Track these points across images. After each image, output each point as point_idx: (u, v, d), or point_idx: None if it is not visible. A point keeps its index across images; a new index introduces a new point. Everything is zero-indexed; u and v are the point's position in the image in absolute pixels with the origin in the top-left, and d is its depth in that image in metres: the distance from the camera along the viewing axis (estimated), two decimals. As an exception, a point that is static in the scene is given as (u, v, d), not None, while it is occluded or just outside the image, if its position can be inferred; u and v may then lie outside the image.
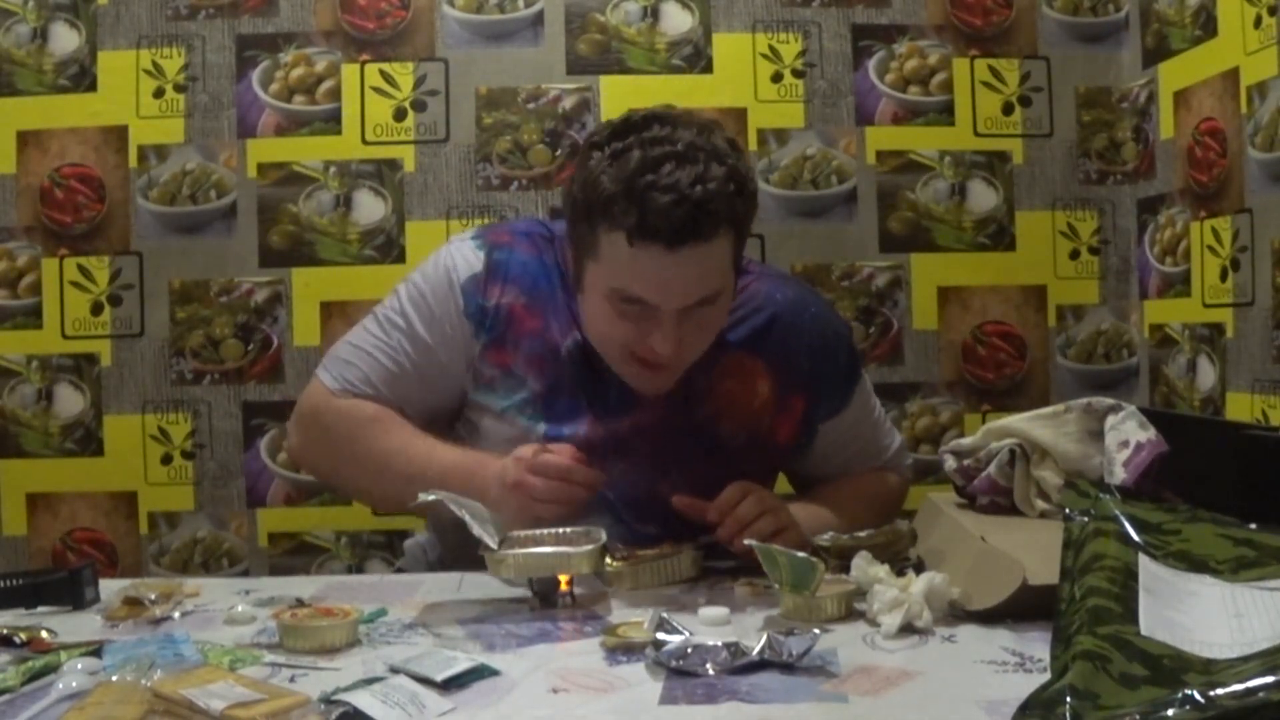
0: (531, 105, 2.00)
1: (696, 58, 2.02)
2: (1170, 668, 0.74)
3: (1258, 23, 1.63)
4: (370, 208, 2.00)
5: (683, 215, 1.15)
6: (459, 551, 1.28)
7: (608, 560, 1.14)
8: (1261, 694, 0.66)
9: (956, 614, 0.99)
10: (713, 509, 1.22)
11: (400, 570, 1.61)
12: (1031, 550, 0.97)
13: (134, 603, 1.07)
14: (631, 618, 0.99)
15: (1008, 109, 2.05)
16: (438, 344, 1.33)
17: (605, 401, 1.32)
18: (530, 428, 1.31)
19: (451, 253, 1.36)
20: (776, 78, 2.03)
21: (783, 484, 1.49)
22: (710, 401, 1.34)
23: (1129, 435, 1.13)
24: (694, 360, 1.28)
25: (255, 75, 1.98)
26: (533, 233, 1.39)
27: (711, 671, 0.85)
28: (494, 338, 1.32)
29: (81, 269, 1.97)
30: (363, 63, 2.00)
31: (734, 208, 1.20)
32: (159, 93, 1.97)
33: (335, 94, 1.99)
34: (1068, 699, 0.70)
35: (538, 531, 1.15)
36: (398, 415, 1.33)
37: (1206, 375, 1.81)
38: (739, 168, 1.21)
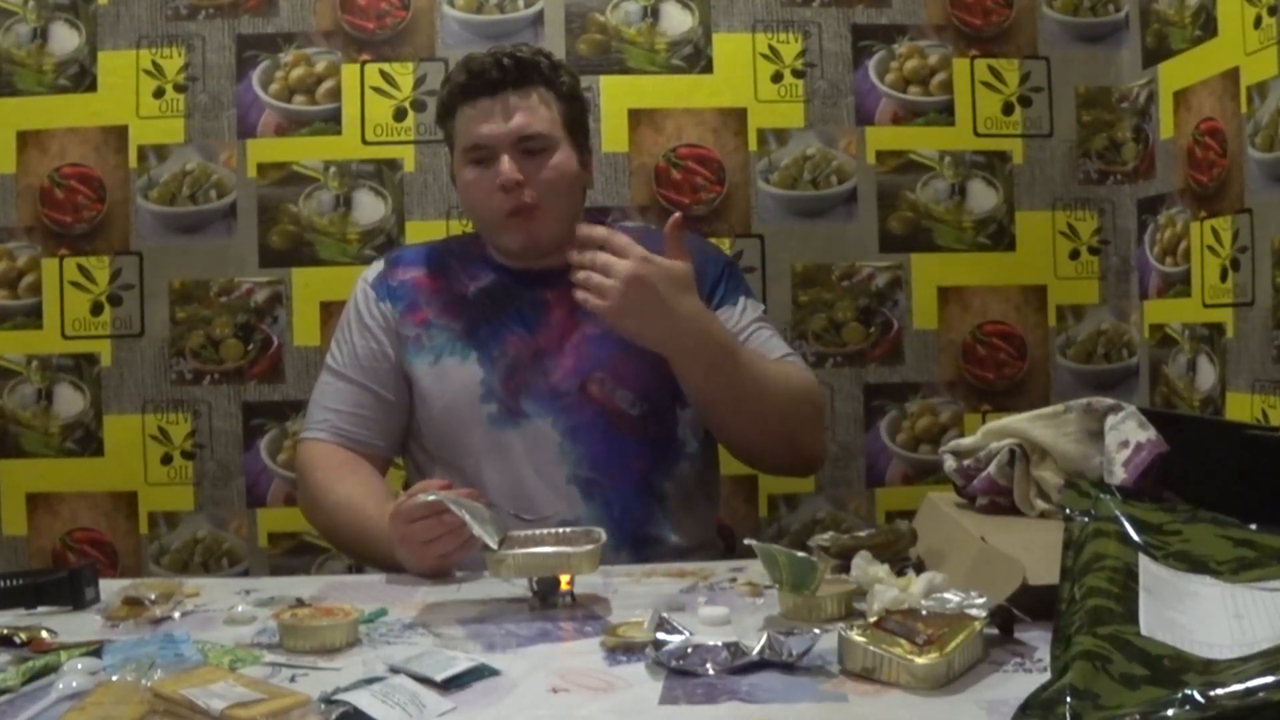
0: (531, 105, 2.00)
1: (696, 58, 2.02)
2: (1170, 668, 0.74)
3: (1258, 23, 1.63)
4: (370, 208, 2.00)
5: (495, 66, 1.43)
6: None
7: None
8: (1261, 694, 0.66)
9: (957, 614, 0.99)
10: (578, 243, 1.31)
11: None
12: (1031, 550, 0.97)
13: (134, 603, 1.07)
14: (631, 618, 0.99)
15: (1008, 109, 2.05)
16: (372, 335, 1.51)
17: (522, 319, 1.48)
18: (464, 361, 1.47)
19: (361, 276, 1.58)
20: (776, 78, 2.03)
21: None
22: None
23: (1129, 435, 1.13)
24: (554, 209, 1.45)
25: (255, 75, 1.98)
26: (426, 240, 1.67)
27: (711, 671, 0.85)
28: (408, 304, 1.52)
29: (81, 269, 1.97)
30: (363, 63, 2.00)
31: (545, 72, 1.45)
32: (159, 93, 1.97)
33: (335, 94, 1.99)
34: (1068, 699, 0.70)
35: (538, 531, 1.15)
36: (359, 463, 1.46)
37: (1206, 375, 1.81)
38: (556, 58, 1.50)
